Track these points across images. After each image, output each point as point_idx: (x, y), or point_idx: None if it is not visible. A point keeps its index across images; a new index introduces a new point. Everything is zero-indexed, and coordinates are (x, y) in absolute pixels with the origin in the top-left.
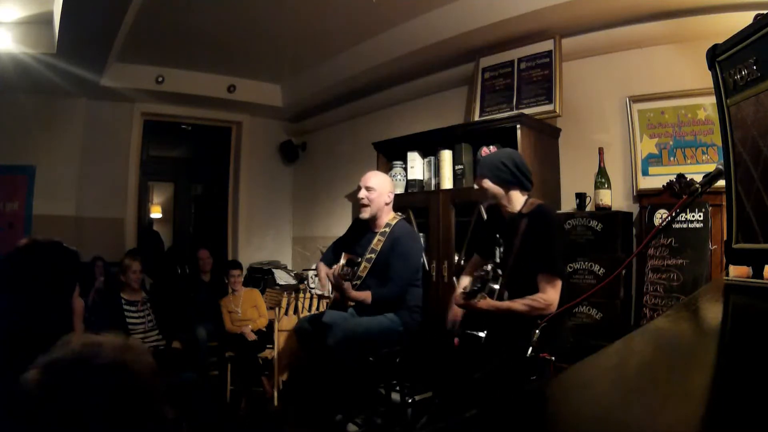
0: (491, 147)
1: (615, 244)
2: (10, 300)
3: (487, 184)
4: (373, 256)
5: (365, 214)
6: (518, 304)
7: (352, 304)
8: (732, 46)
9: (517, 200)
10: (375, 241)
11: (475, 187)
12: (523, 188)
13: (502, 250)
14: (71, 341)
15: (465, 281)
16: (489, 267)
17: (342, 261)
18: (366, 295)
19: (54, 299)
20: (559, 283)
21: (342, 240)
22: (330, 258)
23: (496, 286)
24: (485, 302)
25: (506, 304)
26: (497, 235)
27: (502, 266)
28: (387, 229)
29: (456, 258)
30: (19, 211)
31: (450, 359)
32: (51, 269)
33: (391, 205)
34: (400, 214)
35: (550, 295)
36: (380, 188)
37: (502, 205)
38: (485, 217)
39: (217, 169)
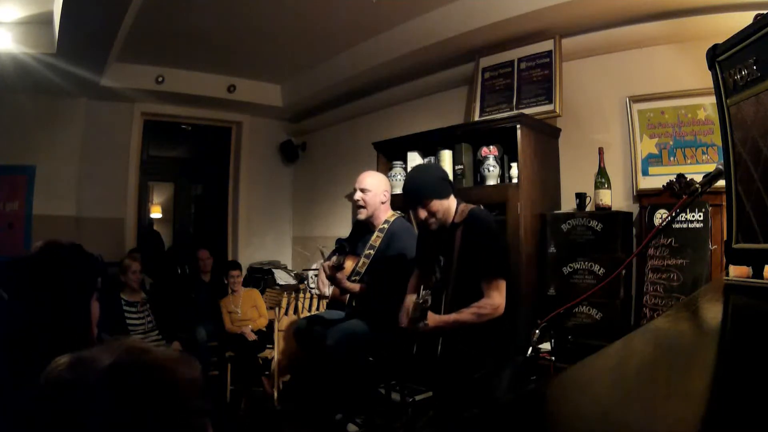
0: (491, 147)
1: (615, 244)
2: (30, 301)
3: (437, 205)
4: (371, 252)
5: (362, 215)
6: (465, 315)
7: (353, 304)
8: (732, 46)
9: (453, 209)
10: (373, 238)
11: (422, 215)
12: (455, 194)
13: (441, 261)
14: (117, 343)
15: (409, 300)
16: (425, 292)
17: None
18: (361, 287)
19: (74, 301)
20: (502, 285)
21: (344, 241)
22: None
23: (442, 297)
24: (432, 321)
25: (453, 317)
26: (434, 247)
27: (445, 279)
28: (385, 226)
29: None
30: (19, 211)
31: (441, 359)
32: (74, 271)
33: (388, 203)
34: (399, 212)
35: (495, 299)
36: (375, 188)
37: (439, 219)
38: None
39: (217, 169)
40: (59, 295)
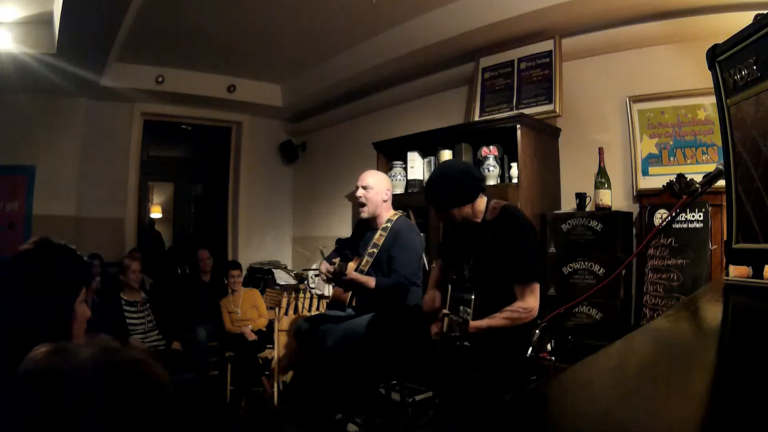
0: (491, 147)
1: (615, 244)
2: (15, 299)
3: (464, 210)
4: (375, 250)
5: (364, 213)
6: (498, 320)
7: (353, 304)
8: (732, 46)
9: (482, 207)
10: (377, 236)
11: (447, 221)
12: (483, 192)
13: (471, 261)
14: (94, 339)
15: (434, 298)
16: (463, 309)
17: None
18: (368, 279)
19: (54, 302)
20: (537, 288)
21: (345, 241)
22: (333, 257)
23: (472, 296)
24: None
25: (486, 322)
26: (464, 245)
27: (474, 279)
28: (388, 225)
29: None
30: (19, 211)
31: (448, 359)
32: (57, 271)
33: (389, 202)
34: (401, 211)
35: (529, 302)
36: (377, 186)
37: (466, 221)
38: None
39: (217, 169)
40: (37, 295)
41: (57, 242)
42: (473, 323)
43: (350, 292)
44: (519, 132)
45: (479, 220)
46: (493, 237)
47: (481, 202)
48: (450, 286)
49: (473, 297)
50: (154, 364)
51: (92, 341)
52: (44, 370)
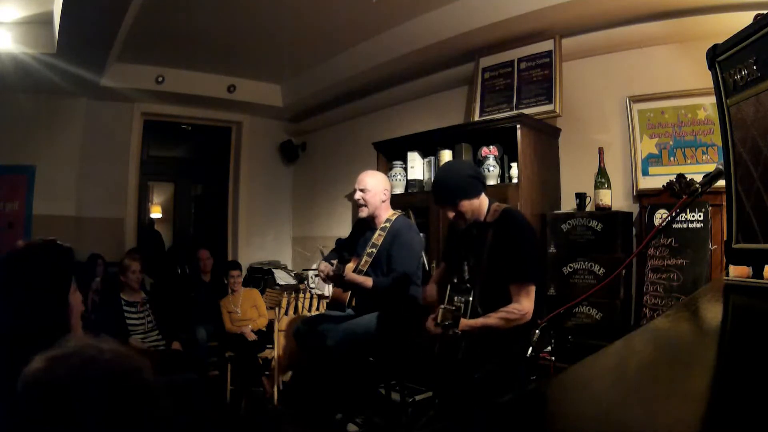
0: (491, 147)
1: (615, 244)
2: (6, 302)
3: (466, 205)
4: (373, 250)
5: (363, 213)
6: (492, 319)
7: (353, 304)
8: (732, 46)
9: (484, 208)
10: (375, 236)
11: (450, 216)
12: (485, 191)
13: (471, 261)
14: (72, 342)
15: (432, 291)
16: (458, 298)
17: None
18: (366, 279)
19: (49, 299)
20: (532, 290)
21: (344, 241)
22: (332, 257)
23: (470, 298)
24: (459, 325)
25: (480, 321)
26: (464, 246)
27: (473, 280)
28: (387, 224)
29: None
30: (19, 211)
31: (446, 356)
32: (44, 269)
33: (388, 202)
34: (399, 210)
35: (524, 304)
36: (375, 188)
37: (468, 219)
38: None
39: (217, 169)
40: (30, 296)
41: (39, 240)
42: (468, 321)
43: (350, 292)
44: (519, 132)
45: (482, 219)
46: (493, 238)
47: (484, 202)
48: (449, 286)
49: (470, 297)
50: (138, 365)
51: (83, 344)
52: (44, 381)
